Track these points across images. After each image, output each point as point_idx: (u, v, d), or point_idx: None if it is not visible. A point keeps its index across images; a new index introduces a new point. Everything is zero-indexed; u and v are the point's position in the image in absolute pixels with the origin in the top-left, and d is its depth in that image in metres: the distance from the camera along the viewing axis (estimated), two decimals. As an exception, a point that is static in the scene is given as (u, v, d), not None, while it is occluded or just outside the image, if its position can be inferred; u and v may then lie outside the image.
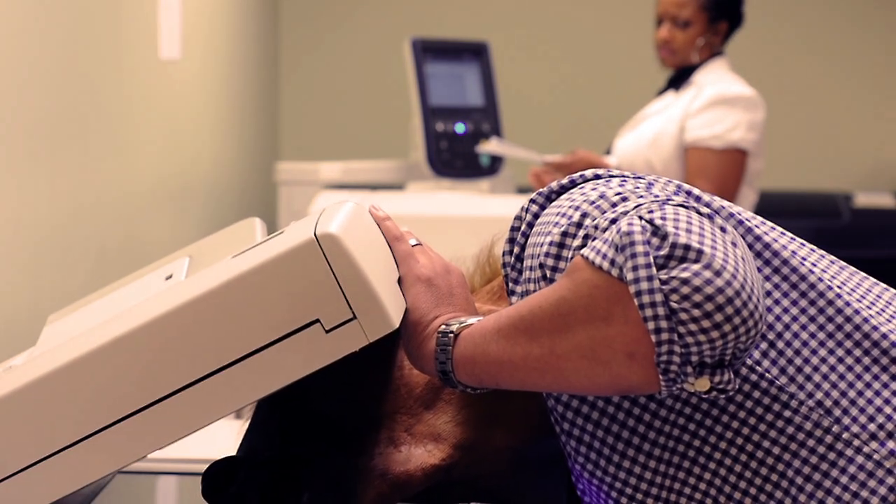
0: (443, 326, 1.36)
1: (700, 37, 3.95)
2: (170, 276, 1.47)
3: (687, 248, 1.22)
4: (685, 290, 1.21)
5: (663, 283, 1.21)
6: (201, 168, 3.99)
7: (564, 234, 1.34)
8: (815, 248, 1.45)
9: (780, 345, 1.35)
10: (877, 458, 1.32)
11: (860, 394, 1.34)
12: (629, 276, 1.22)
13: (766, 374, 1.34)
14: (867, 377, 1.34)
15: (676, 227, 1.24)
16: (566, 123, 5.97)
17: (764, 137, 3.91)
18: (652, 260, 1.22)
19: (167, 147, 3.47)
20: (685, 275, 1.21)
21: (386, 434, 1.44)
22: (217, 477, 1.44)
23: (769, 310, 1.36)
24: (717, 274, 1.21)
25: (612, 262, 1.24)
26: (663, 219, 1.25)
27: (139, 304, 1.35)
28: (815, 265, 1.40)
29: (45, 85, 2.43)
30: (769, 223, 1.44)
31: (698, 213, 1.28)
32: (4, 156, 2.22)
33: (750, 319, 1.22)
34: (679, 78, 4.00)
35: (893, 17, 6.12)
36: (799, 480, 1.33)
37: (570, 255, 1.33)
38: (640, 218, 1.26)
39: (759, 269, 1.38)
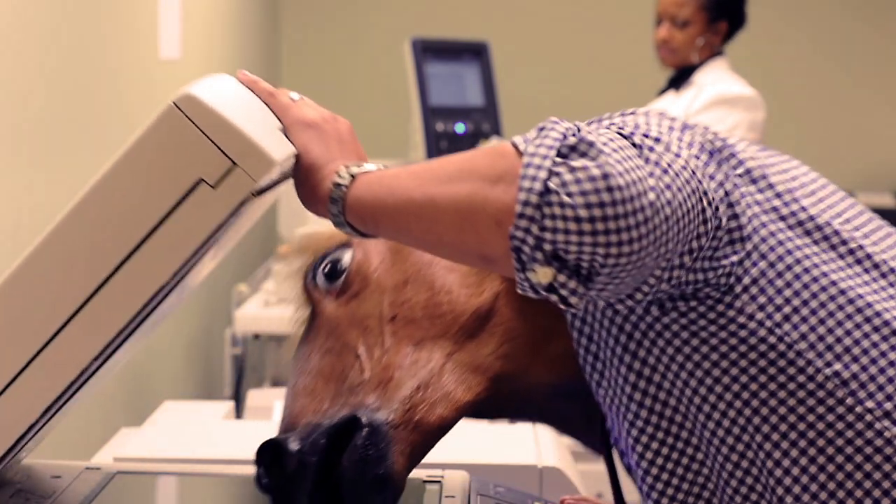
0: (341, 169, 1.38)
1: (699, 36, 3.95)
2: None
3: (591, 144, 1.22)
4: (568, 177, 1.21)
5: (554, 164, 1.22)
6: (201, 168, 3.99)
7: None
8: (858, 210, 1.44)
9: (805, 311, 1.34)
10: (887, 436, 1.31)
11: (882, 371, 1.33)
12: (529, 149, 1.24)
13: (785, 338, 1.33)
14: (892, 356, 1.33)
15: (598, 137, 1.24)
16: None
17: (764, 137, 3.91)
18: (557, 146, 1.23)
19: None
20: (576, 164, 1.21)
21: (426, 355, 1.43)
22: (271, 452, 1.43)
23: (797, 277, 1.35)
24: (606, 177, 1.20)
25: (527, 141, 1.25)
26: (592, 133, 1.25)
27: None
28: (856, 230, 1.40)
29: (43, 85, 2.42)
30: (819, 192, 1.42)
31: (636, 146, 1.27)
32: (3, 156, 2.22)
33: (616, 234, 1.20)
34: (679, 78, 4.00)
35: (894, 18, 6.11)
36: (802, 443, 1.32)
37: None
38: (575, 125, 1.27)
39: (800, 236, 1.37)
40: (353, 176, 1.37)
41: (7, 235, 2.24)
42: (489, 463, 1.89)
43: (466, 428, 2.14)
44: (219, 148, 1.31)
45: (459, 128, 4.21)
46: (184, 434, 2.06)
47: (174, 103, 1.31)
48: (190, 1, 3.62)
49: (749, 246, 1.34)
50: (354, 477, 1.38)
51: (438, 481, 1.70)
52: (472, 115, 4.27)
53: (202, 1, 3.89)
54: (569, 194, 1.20)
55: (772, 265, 1.35)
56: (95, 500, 1.63)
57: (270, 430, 2.11)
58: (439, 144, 4.18)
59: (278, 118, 1.45)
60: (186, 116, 1.31)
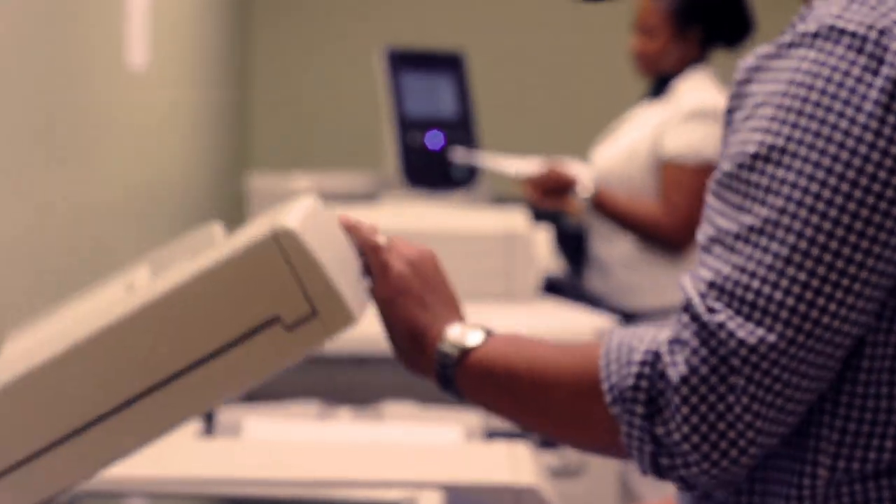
0: (440, 346, 1.40)
1: (670, 45, 3.91)
2: (130, 286, 1.45)
3: (666, 432, 1.27)
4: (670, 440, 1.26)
5: (652, 441, 1.27)
6: (170, 180, 3.96)
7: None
8: None
9: None
10: None
11: None
12: (623, 424, 1.28)
13: None
14: None
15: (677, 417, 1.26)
16: (543, 133, 5.95)
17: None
18: (643, 412, 1.27)
19: (135, 157, 3.44)
20: (668, 439, 1.26)
21: None
22: None
23: None
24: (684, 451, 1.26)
25: (615, 403, 1.28)
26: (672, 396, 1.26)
27: (97, 312, 1.33)
28: None
29: (8, 93, 2.39)
30: None
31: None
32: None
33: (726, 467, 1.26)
34: (658, 87, 3.96)
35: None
36: None
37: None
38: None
39: None
40: (456, 359, 1.39)
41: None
42: (463, 483, 1.86)
43: (440, 448, 2.11)
44: (305, 293, 1.27)
45: (434, 139, 4.19)
46: (152, 452, 2.01)
47: (273, 232, 1.26)
48: (157, 7, 3.58)
49: None
50: None
51: (413, 502, 1.67)
52: (447, 126, 4.25)
53: (170, 7, 3.86)
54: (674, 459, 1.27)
55: None
56: (59, 521, 1.58)
57: (241, 448, 2.08)
58: (413, 156, 4.16)
59: (372, 273, 1.43)
60: (281, 250, 1.26)
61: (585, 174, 3.92)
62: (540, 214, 4.04)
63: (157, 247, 3.64)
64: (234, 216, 5.06)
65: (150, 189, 3.62)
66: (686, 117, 3.82)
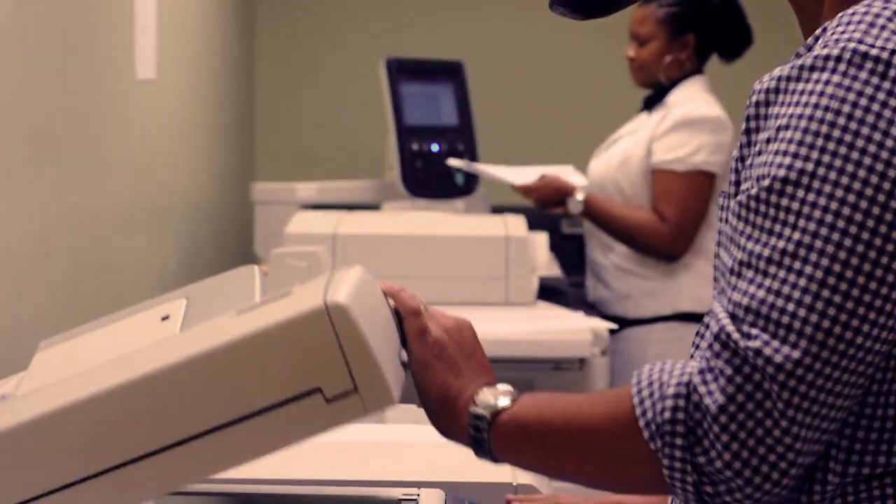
0: (472, 409, 1.42)
1: (666, 54, 3.90)
2: (166, 317, 1.46)
3: (707, 455, 1.28)
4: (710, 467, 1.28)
5: (694, 471, 1.29)
6: (177, 188, 3.99)
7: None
8: None
9: None
10: None
11: None
12: (664, 459, 1.30)
13: None
14: None
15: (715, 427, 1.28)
16: (543, 142, 5.98)
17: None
18: (684, 444, 1.28)
19: (143, 167, 3.47)
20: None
21: None
22: None
23: None
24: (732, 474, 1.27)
25: (650, 431, 1.30)
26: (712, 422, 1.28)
27: (139, 351, 1.34)
28: None
29: (17, 106, 2.42)
30: None
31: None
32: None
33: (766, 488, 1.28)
34: (654, 98, 3.97)
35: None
36: None
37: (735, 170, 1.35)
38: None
39: None
40: (490, 420, 1.41)
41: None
42: (464, 481, 1.88)
43: (441, 446, 2.14)
44: (349, 369, 1.28)
45: (434, 147, 4.22)
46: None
47: (325, 305, 1.27)
48: (165, 20, 3.62)
49: None
50: None
51: (414, 499, 1.70)
52: (447, 135, 4.27)
53: (178, 20, 3.90)
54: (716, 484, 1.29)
55: None
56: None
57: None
58: (414, 164, 4.19)
59: (406, 337, 1.44)
60: (332, 324, 1.27)
61: (581, 181, 3.93)
62: (538, 220, 4.07)
63: (166, 256, 3.69)
64: (241, 225, 5.10)
65: (158, 198, 3.65)
66: (676, 125, 3.81)
